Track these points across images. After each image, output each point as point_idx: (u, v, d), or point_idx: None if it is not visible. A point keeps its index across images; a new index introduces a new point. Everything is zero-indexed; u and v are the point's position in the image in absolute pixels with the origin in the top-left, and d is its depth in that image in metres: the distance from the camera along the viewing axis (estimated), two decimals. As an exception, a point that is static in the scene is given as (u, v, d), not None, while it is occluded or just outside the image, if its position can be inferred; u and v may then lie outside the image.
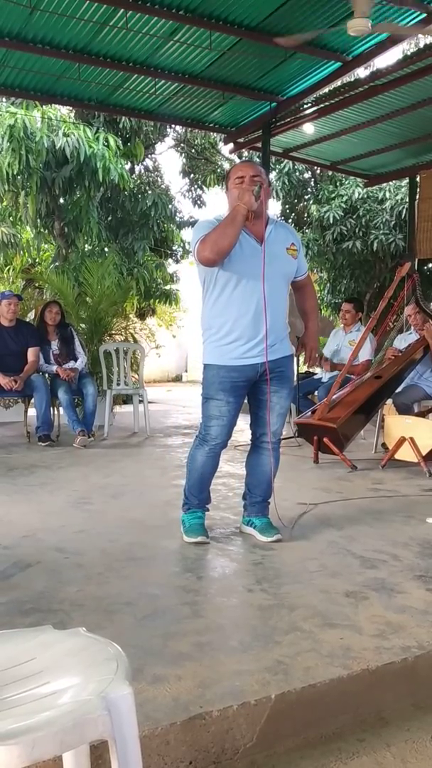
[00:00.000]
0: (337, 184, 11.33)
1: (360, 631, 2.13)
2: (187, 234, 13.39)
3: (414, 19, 5.70)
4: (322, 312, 12.33)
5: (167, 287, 12.25)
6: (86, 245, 10.82)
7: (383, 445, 5.34)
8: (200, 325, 3.13)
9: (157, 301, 12.26)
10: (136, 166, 12.79)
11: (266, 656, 1.95)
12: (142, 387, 7.00)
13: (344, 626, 2.16)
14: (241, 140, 8.45)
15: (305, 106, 7.37)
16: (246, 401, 3.18)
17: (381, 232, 10.75)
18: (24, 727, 1.01)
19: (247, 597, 2.45)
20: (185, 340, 18.02)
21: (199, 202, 15.25)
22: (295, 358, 4.08)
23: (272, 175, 11.63)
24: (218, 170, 14.53)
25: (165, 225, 11.92)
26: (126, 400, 8.48)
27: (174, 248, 13.18)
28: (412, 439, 4.71)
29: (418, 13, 5.59)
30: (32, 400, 6.10)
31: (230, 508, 3.67)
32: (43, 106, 9.14)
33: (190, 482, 3.20)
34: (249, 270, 2.94)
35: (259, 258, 2.94)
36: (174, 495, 3.96)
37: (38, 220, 10.15)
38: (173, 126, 12.85)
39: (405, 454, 4.77)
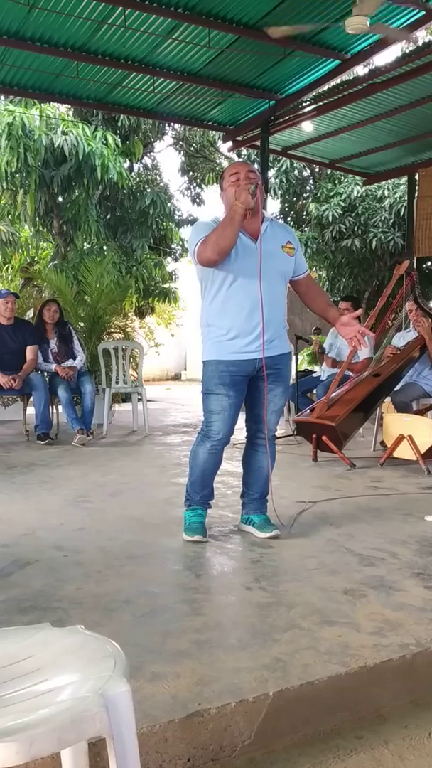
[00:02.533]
0: (336, 182, 11.34)
1: (358, 628, 2.13)
2: (185, 232, 13.40)
3: (413, 17, 5.71)
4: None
5: (166, 285, 12.26)
6: (85, 243, 10.82)
7: (382, 443, 5.34)
8: (200, 323, 3.15)
9: (156, 299, 12.27)
10: (134, 164, 12.80)
11: (265, 654, 1.95)
12: (141, 385, 7.00)
13: (342, 624, 2.17)
14: (239, 138, 8.45)
15: (304, 104, 7.38)
16: None
17: (380, 230, 10.76)
18: (22, 725, 1.01)
19: (245, 595, 2.46)
20: (184, 339, 18.02)
21: (197, 200, 15.28)
22: (294, 356, 4.07)
23: (271, 173, 11.63)
24: (217, 168, 14.53)
25: (164, 223, 11.92)
26: (125, 398, 8.48)
27: (173, 246, 13.19)
28: (410, 437, 4.71)
29: (417, 11, 5.59)
30: (31, 399, 6.10)
31: (229, 506, 3.67)
32: (42, 104, 9.14)
33: (192, 479, 3.21)
34: (244, 268, 2.96)
35: (254, 256, 2.95)
36: (173, 493, 3.96)
37: (37, 219, 10.16)
38: (172, 124, 12.85)
39: (403, 452, 4.78)
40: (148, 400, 7.28)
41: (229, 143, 8.85)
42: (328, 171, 11.00)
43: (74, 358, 6.29)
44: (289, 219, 13.09)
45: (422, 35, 9.74)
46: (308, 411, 5.31)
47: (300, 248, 3.21)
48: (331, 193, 11.19)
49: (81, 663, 1.20)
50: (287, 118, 7.56)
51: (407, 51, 6.89)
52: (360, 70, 7.67)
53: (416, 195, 9.05)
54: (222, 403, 3.04)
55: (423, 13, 5.59)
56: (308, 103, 7.33)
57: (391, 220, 10.77)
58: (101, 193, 10.80)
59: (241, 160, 11.10)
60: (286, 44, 6.11)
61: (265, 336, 2.99)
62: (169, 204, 11.81)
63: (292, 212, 13.03)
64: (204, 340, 3.11)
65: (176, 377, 19.22)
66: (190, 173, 15.02)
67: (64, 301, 7.16)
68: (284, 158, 10.77)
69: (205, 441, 3.12)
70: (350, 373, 5.67)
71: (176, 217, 13.18)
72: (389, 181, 10.39)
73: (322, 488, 4.22)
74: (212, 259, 2.92)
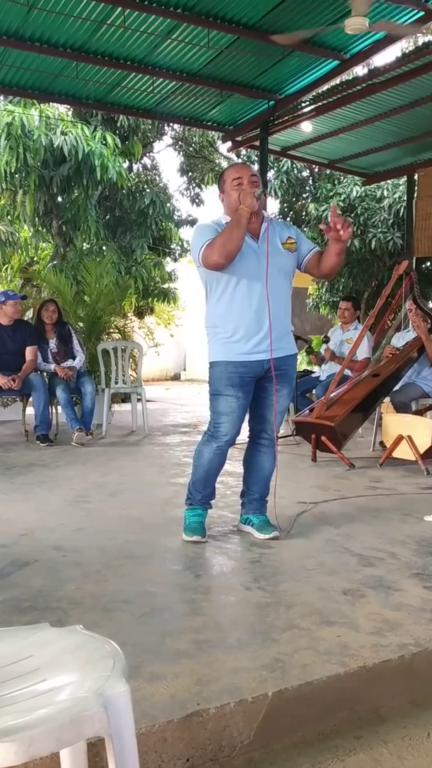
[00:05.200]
0: (335, 182, 11.33)
1: (357, 628, 2.14)
2: (185, 232, 13.39)
3: (412, 17, 5.70)
4: (321, 310, 12.34)
5: (165, 286, 12.25)
6: (84, 244, 10.81)
7: (381, 443, 5.34)
8: (205, 324, 3.15)
9: (156, 299, 12.27)
10: (134, 164, 12.79)
11: (264, 654, 1.95)
12: (141, 385, 7.00)
13: (341, 624, 2.17)
14: (239, 138, 8.44)
15: (303, 105, 7.37)
16: None
17: (379, 230, 10.76)
18: (21, 724, 1.01)
19: (244, 595, 2.46)
20: (184, 339, 18.02)
21: (197, 200, 15.26)
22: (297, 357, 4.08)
23: (270, 174, 11.63)
24: (216, 168, 14.52)
25: (163, 223, 11.91)
26: (124, 398, 8.48)
27: (172, 247, 13.17)
28: (409, 437, 4.72)
29: (416, 11, 5.59)
30: (30, 399, 6.10)
31: (228, 507, 3.67)
32: (41, 105, 9.13)
33: (195, 477, 3.21)
34: (248, 269, 2.97)
35: (257, 256, 2.98)
36: (172, 493, 3.96)
37: (36, 219, 10.15)
38: (171, 124, 12.84)
39: (403, 452, 4.78)
40: (148, 401, 7.28)
41: (229, 143, 8.83)
42: (328, 171, 10.99)
43: (74, 358, 6.29)
44: (288, 219, 13.08)
45: (421, 35, 9.75)
46: (307, 411, 5.31)
47: (301, 234, 3.17)
48: (331, 194, 11.18)
49: (80, 663, 1.20)
50: (287, 118, 7.55)
51: (407, 51, 6.89)
52: (359, 70, 7.66)
53: (415, 195, 9.04)
54: (231, 404, 3.04)
55: (422, 13, 5.59)
56: (308, 103, 7.32)
57: (390, 221, 10.76)
58: (100, 193, 10.80)
59: (240, 161, 11.09)
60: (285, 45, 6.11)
61: (271, 336, 3.00)
62: (168, 204, 11.79)
63: (291, 212, 13.02)
64: (210, 341, 3.11)
65: (176, 377, 19.21)
66: (190, 173, 15.01)
67: (63, 302, 7.15)
68: (284, 158, 10.76)
69: (211, 441, 3.12)
70: (349, 373, 5.67)
71: (176, 218, 13.15)
72: (388, 181, 10.38)
73: (322, 488, 4.22)
74: (219, 263, 2.93)
